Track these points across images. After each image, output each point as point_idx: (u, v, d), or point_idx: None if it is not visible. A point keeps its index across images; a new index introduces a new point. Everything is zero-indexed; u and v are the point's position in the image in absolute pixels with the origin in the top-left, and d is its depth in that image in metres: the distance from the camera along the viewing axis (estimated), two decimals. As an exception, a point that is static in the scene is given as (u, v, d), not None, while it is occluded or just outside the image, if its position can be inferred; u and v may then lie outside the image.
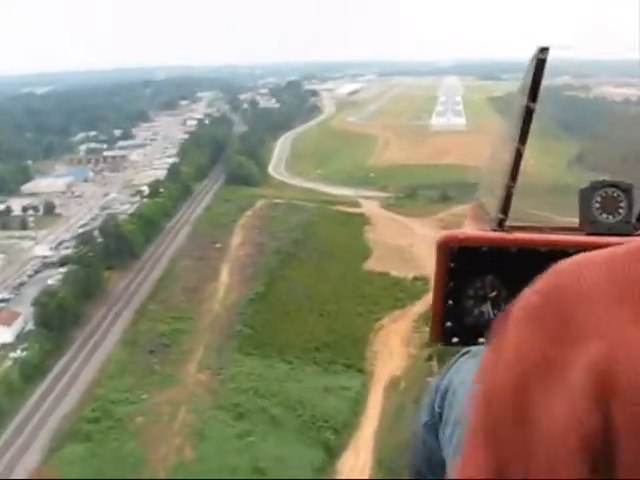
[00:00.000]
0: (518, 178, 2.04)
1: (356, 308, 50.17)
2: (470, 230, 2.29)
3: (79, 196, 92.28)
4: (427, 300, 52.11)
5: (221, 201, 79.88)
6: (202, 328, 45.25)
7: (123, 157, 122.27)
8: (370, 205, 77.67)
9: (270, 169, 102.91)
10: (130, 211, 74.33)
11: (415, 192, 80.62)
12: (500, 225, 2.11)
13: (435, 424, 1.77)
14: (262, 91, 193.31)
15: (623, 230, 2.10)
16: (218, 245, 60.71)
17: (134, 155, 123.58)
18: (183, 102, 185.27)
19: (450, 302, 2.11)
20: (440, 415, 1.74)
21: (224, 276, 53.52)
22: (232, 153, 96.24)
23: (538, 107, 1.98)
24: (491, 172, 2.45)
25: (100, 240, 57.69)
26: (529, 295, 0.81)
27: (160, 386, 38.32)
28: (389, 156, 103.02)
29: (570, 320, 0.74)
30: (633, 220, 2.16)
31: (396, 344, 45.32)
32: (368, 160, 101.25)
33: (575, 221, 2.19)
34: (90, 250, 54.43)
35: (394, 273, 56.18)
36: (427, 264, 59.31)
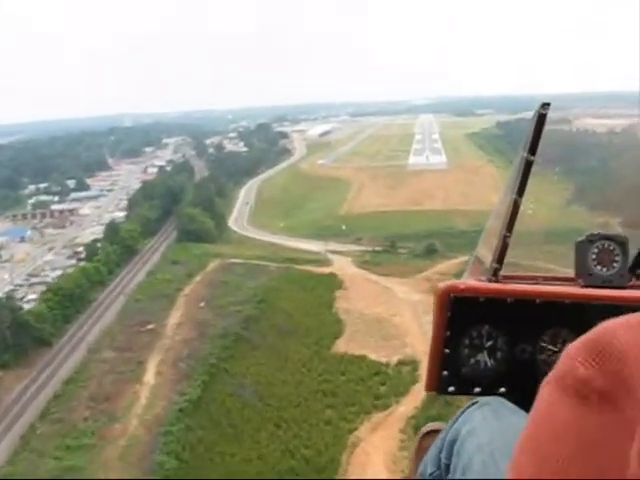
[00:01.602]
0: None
1: (324, 413, 37.90)
2: (469, 280, 2.21)
3: (6, 261, 79.36)
4: (417, 394, 40.00)
5: (168, 263, 67.51)
6: (106, 462, 32.13)
7: (72, 211, 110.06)
8: (342, 262, 65.74)
9: (230, 221, 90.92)
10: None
11: (394, 245, 69.29)
12: (495, 275, 2.12)
13: (440, 475, 1.73)
14: (231, 135, 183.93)
15: (618, 283, 2.12)
16: (151, 326, 48.08)
17: (85, 208, 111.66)
18: (148, 149, 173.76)
19: (447, 351, 2.11)
20: (447, 466, 1.68)
21: (150, 375, 40.61)
22: (185, 205, 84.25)
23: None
24: (491, 224, 2.37)
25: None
26: (574, 363, 0.74)
27: None
28: (364, 202, 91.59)
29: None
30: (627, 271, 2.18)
31: (378, 470, 32.92)
32: (340, 208, 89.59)
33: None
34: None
35: (372, 356, 44.34)
36: (414, 341, 46.94)
